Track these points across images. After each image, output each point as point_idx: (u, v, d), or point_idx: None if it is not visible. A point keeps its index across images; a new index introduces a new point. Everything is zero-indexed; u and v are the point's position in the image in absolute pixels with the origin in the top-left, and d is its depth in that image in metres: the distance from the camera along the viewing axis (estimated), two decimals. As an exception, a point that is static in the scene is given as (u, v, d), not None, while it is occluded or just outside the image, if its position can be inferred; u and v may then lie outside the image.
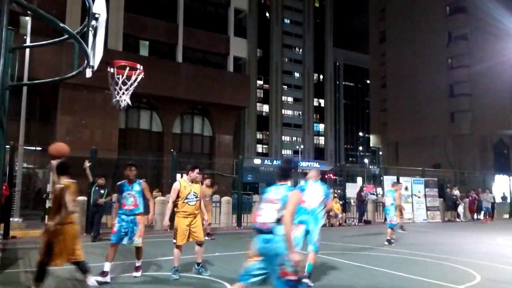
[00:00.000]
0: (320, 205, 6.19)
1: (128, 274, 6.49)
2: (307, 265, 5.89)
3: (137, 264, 6.48)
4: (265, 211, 3.69)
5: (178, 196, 6.34)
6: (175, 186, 6.43)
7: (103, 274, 5.91)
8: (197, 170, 6.54)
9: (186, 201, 6.31)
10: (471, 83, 42.52)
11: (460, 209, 20.32)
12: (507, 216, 23.11)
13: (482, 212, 20.30)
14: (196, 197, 6.43)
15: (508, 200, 24.28)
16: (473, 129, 41.97)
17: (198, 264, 6.60)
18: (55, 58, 20.03)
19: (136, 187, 6.48)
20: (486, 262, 8.09)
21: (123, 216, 6.32)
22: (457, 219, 19.98)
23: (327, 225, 15.97)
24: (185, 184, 6.41)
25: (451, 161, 39.64)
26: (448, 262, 8.04)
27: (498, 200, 23.67)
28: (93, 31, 6.37)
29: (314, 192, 6.21)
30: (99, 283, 5.49)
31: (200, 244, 6.47)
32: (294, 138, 75.53)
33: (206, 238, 10.21)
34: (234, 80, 28.62)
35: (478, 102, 41.41)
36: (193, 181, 6.51)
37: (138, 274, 6.42)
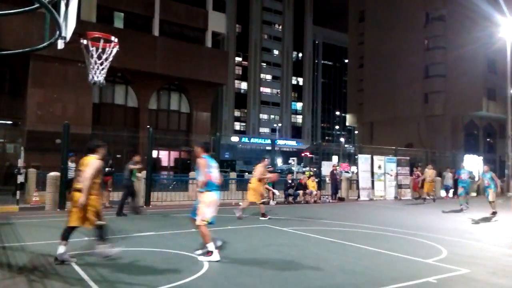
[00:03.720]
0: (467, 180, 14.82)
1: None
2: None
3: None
4: None
5: None
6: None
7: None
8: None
9: None
10: (446, 65, 43.30)
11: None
12: (474, 194, 24.04)
13: (455, 190, 20.98)
14: None
15: (476, 179, 25.20)
16: (446, 110, 43.01)
17: None
18: (25, 28, 19.19)
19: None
20: (452, 238, 8.46)
21: None
22: (427, 197, 20.66)
23: (302, 202, 16.28)
24: None
25: (423, 140, 40.68)
26: (416, 237, 8.36)
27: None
28: (65, 1, 6.11)
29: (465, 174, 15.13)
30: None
31: None
32: (272, 116, 75.63)
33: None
34: (212, 56, 28.19)
35: (451, 83, 42.31)
36: None
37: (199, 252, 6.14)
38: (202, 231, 5.95)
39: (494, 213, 12.84)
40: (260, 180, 10.82)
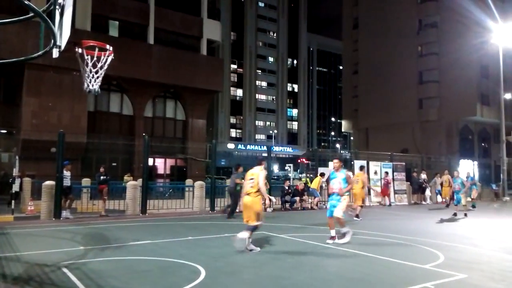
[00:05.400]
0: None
1: (100, 259, 6.44)
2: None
3: (332, 234, 8.11)
4: None
5: None
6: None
7: (332, 238, 8.06)
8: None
9: None
10: (439, 71, 43.65)
11: (427, 192, 21.06)
12: (469, 198, 24.13)
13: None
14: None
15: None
16: (440, 116, 43.27)
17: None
18: (20, 37, 19.20)
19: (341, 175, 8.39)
20: (449, 243, 8.47)
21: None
22: (423, 202, 20.73)
23: (299, 208, 16.27)
24: None
25: (419, 146, 40.86)
26: (414, 243, 8.36)
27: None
28: (60, 10, 6.11)
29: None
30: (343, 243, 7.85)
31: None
32: (268, 123, 75.81)
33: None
34: (208, 63, 28.26)
35: (445, 89, 42.62)
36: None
37: (330, 242, 7.99)
38: (341, 220, 8.03)
39: (466, 215, 14.01)
40: (362, 187, 13.05)
